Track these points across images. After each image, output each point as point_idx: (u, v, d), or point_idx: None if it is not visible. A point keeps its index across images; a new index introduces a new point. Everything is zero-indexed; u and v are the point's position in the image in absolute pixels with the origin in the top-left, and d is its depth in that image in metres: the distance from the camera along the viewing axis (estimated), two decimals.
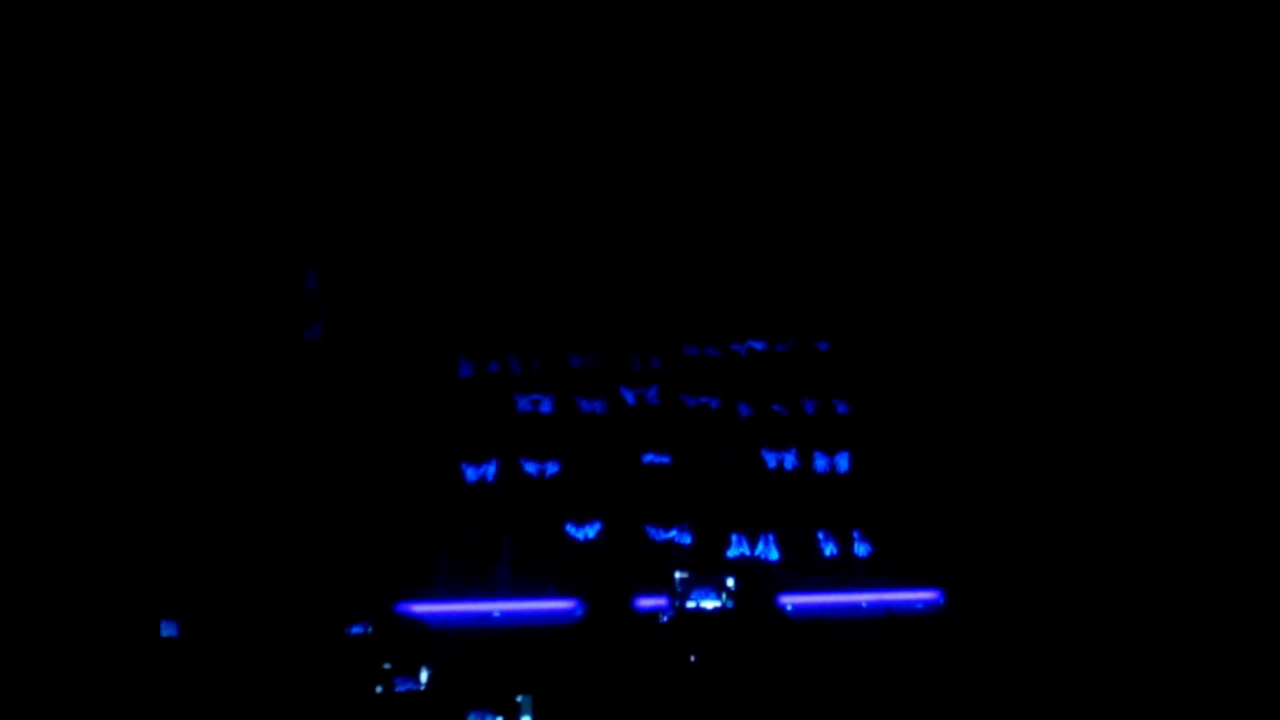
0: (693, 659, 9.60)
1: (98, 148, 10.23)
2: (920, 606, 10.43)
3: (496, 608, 10.29)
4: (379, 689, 9.48)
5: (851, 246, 11.52)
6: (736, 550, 10.61)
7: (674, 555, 10.48)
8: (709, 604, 9.96)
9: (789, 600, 10.29)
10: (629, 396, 11.34)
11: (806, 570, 10.66)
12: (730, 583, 10.01)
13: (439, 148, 11.14)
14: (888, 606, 10.42)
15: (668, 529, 10.63)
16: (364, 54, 10.60)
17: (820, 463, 11.08)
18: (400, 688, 9.50)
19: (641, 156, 11.29)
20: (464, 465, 10.98)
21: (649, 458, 11.06)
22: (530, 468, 10.99)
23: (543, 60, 10.73)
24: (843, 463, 11.07)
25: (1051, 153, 10.94)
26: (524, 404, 11.31)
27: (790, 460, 11.08)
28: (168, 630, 9.58)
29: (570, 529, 10.70)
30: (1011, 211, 11.14)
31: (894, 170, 11.31)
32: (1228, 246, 10.50)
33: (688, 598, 9.95)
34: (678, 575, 10.06)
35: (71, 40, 9.95)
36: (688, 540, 10.62)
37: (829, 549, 10.75)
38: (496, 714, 9.42)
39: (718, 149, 11.30)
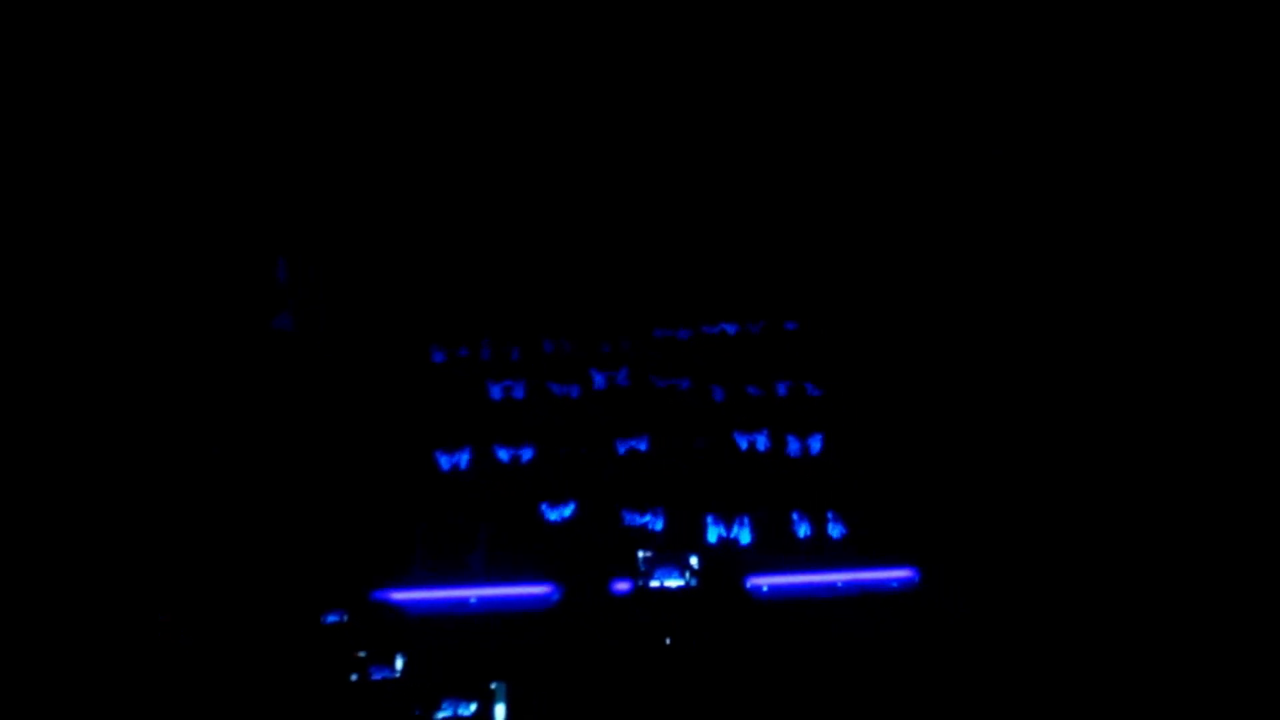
0: (667, 642, 9.67)
1: (76, 146, 10.19)
2: (895, 585, 10.46)
3: (473, 594, 10.30)
4: (354, 677, 9.54)
5: (819, 227, 11.50)
6: (712, 532, 10.63)
7: (648, 539, 10.50)
8: (673, 582, 10.04)
9: (764, 581, 10.34)
10: (600, 380, 11.35)
11: (781, 551, 10.66)
12: (694, 561, 10.09)
13: (408, 136, 11.11)
14: (862, 586, 10.46)
15: (642, 513, 10.65)
16: (332, 45, 10.54)
17: (793, 444, 11.08)
18: (376, 675, 9.56)
19: (609, 141, 11.25)
20: (438, 453, 10.98)
21: (621, 442, 11.07)
22: (504, 454, 10.99)
23: (507, 48, 10.68)
24: (815, 443, 11.07)
25: (1021, 138, 10.92)
26: (496, 390, 11.31)
27: (762, 442, 11.09)
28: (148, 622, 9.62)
29: (545, 509, 10.72)
30: (982, 191, 11.13)
31: (861, 152, 11.27)
32: (1203, 236, 10.51)
33: (651, 576, 10.04)
34: (641, 554, 10.14)
35: (52, 33, 9.89)
36: (661, 524, 10.63)
37: (803, 530, 10.76)
38: (471, 701, 9.48)
39: (686, 132, 11.26)
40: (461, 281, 11.48)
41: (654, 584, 9.99)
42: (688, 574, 9.99)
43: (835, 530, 10.76)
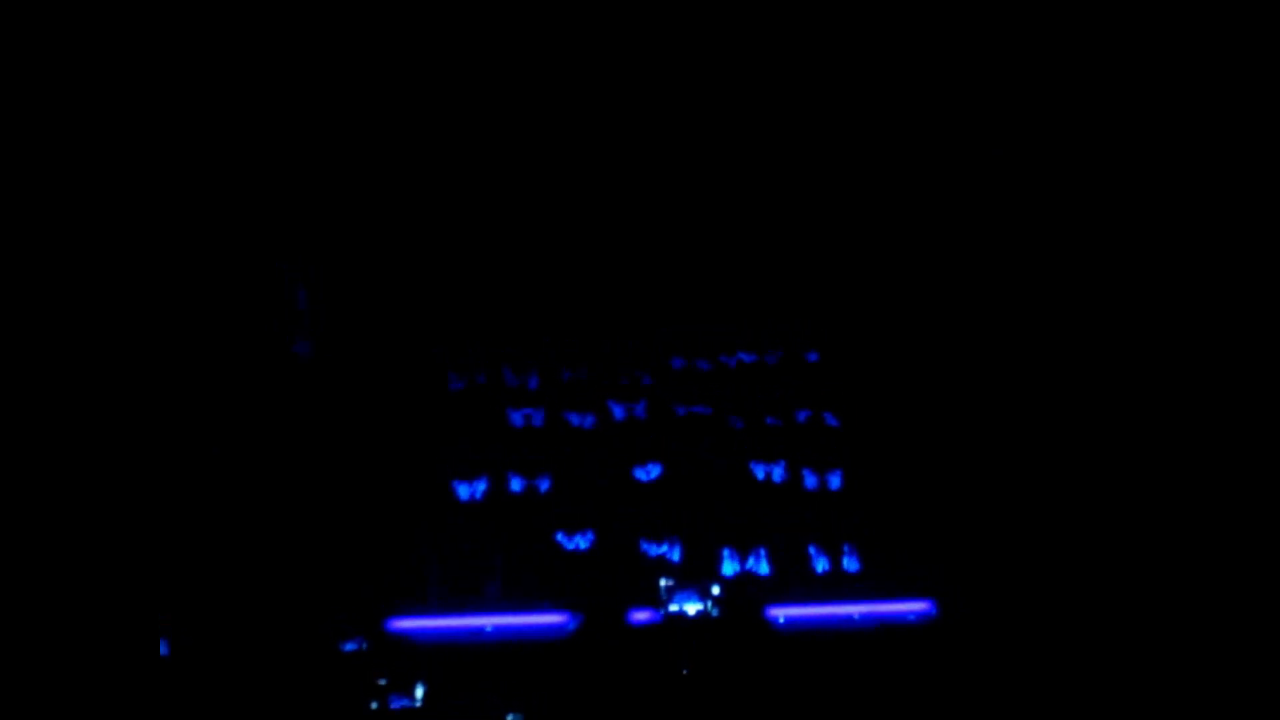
0: (684, 672, 9.64)
1: (98, 158, 10.21)
2: (912, 617, 10.43)
3: (489, 622, 10.28)
4: (374, 705, 9.49)
5: (840, 255, 11.49)
6: (729, 566, 10.61)
7: (666, 569, 10.47)
8: (692, 608, 9.99)
9: (781, 612, 10.32)
10: (618, 411, 11.33)
11: (798, 583, 10.65)
12: (715, 589, 10.05)
13: (428, 162, 11.14)
14: (879, 619, 10.44)
15: (659, 543, 10.64)
16: (352, 68, 10.61)
17: (810, 476, 11.05)
18: (395, 704, 9.51)
19: (632, 169, 11.27)
20: (455, 483, 10.97)
21: (639, 472, 11.06)
22: (520, 483, 10.97)
23: (525, 71, 10.74)
24: (832, 475, 11.04)
25: (1044, 161, 10.91)
26: (516, 418, 11.29)
27: (779, 473, 11.06)
28: (161, 649, 9.58)
29: (561, 539, 10.70)
30: (1001, 221, 11.13)
31: (886, 182, 11.28)
32: (1226, 250, 10.48)
33: (671, 602, 10.00)
34: (663, 582, 10.10)
35: (54, 45, 9.91)
36: (678, 555, 10.61)
37: (820, 562, 10.75)
38: None
39: (707, 155, 11.28)
40: (480, 310, 11.46)
41: (673, 608, 9.94)
42: (709, 602, 9.95)
43: (852, 563, 10.74)
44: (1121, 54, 10.47)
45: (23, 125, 9.95)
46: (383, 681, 9.51)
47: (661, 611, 9.94)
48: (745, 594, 10.18)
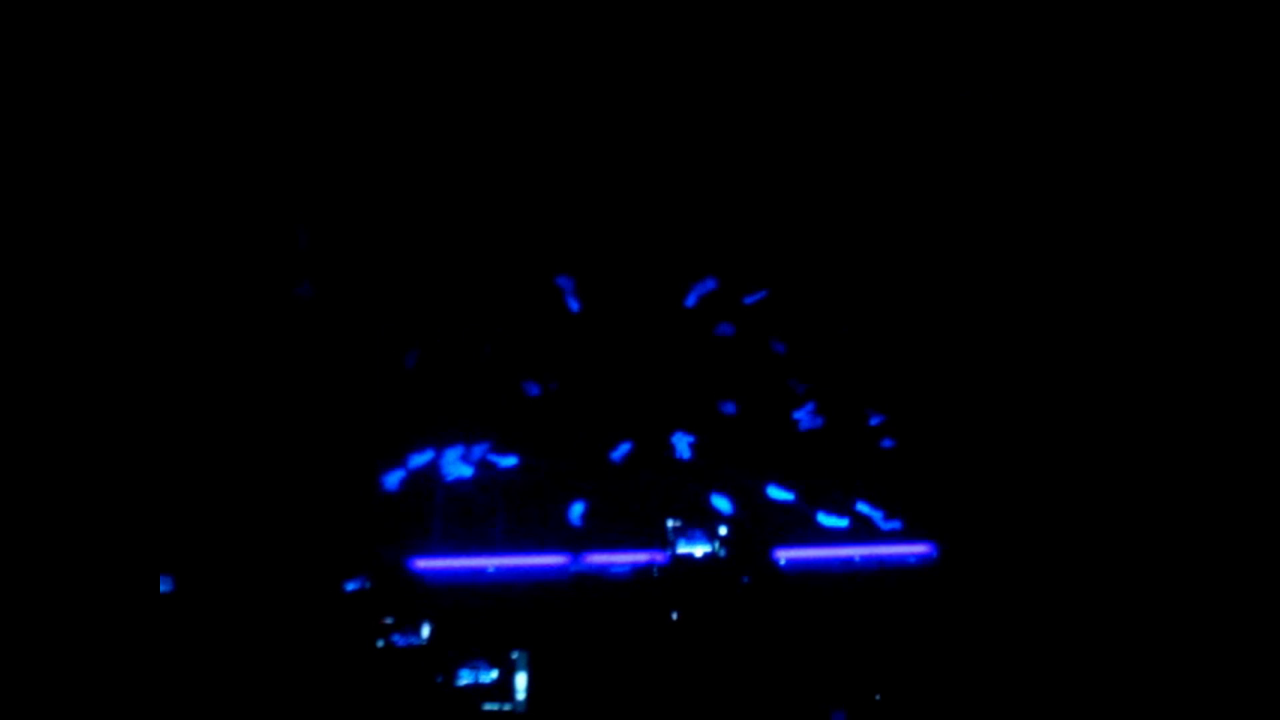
0: (688, 612, 9.72)
1: (86, 137, 10.10)
2: (913, 560, 10.51)
3: (491, 563, 10.32)
4: (380, 644, 9.55)
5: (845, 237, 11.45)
6: (729, 504, 10.63)
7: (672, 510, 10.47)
8: (700, 550, 10.04)
9: (782, 554, 10.38)
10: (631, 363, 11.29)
11: (798, 524, 10.70)
12: (722, 530, 10.09)
13: (426, 128, 11.04)
14: (880, 561, 10.51)
15: (666, 484, 10.67)
16: (349, 42, 10.50)
17: (809, 417, 11.04)
18: (400, 643, 9.57)
19: (638, 151, 11.17)
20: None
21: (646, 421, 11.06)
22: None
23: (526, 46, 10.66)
24: (832, 417, 11.04)
25: (1054, 135, 10.85)
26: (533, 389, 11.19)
27: (779, 414, 11.05)
28: (165, 585, 9.59)
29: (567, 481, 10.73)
30: (1003, 204, 11.08)
31: (885, 162, 11.21)
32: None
33: (678, 544, 10.05)
34: (670, 523, 10.13)
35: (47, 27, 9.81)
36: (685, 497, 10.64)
37: (821, 504, 10.81)
38: (492, 667, 9.53)
39: (715, 146, 11.18)
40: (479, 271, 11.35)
41: (681, 551, 9.99)
42: (716, 543, 10.00)
43: (855, 505, 10.79)
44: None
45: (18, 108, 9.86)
46: (389, 620, 9.56)
47: (669, 552, 10.00)
48: (751, 536, 10.24)
